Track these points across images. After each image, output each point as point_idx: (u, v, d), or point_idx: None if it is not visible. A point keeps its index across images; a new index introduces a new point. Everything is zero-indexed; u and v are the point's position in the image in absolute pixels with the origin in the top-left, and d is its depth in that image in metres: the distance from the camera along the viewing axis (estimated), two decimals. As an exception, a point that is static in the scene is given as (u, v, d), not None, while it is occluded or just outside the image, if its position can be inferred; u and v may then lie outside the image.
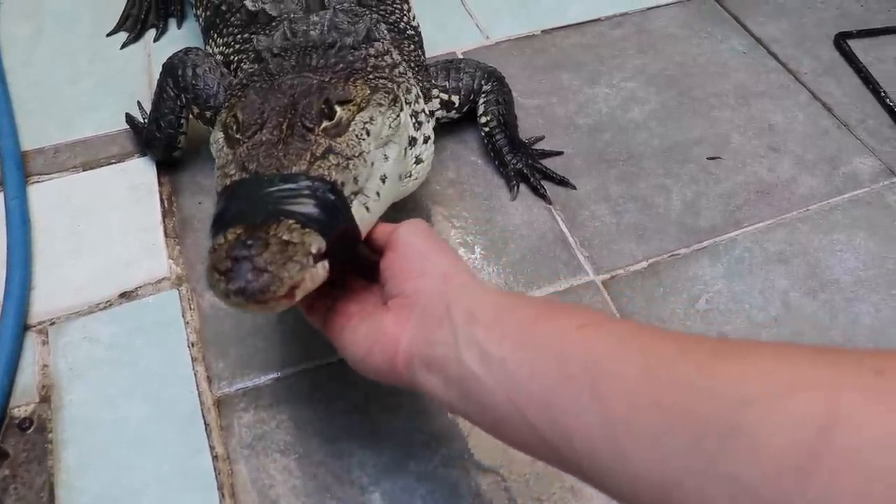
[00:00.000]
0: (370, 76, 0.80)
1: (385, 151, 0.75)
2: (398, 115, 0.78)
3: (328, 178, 0.65)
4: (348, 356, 0.65)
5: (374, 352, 0.62)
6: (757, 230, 1.01)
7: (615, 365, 0.47)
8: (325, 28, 0.87)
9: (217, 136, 0.73)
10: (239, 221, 0.60)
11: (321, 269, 0.59)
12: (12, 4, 1.35)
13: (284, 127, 0.69)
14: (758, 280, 0.95)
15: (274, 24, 0.95)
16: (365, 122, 0.73)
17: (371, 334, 0.62)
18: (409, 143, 0.84)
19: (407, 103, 0.84)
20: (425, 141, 0.89)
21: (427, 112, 0.93)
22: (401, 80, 0.87)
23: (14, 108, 1.15)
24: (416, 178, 0.88)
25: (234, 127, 0.71)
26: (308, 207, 0.61)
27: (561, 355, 0.50)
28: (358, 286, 0.69)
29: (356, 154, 0.69)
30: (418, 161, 0.87)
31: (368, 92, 0.76)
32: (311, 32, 0.87)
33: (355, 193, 0.68)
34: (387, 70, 0.86)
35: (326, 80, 0.76)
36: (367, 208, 0.69)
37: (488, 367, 0.53)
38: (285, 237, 0.58)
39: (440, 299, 0.60)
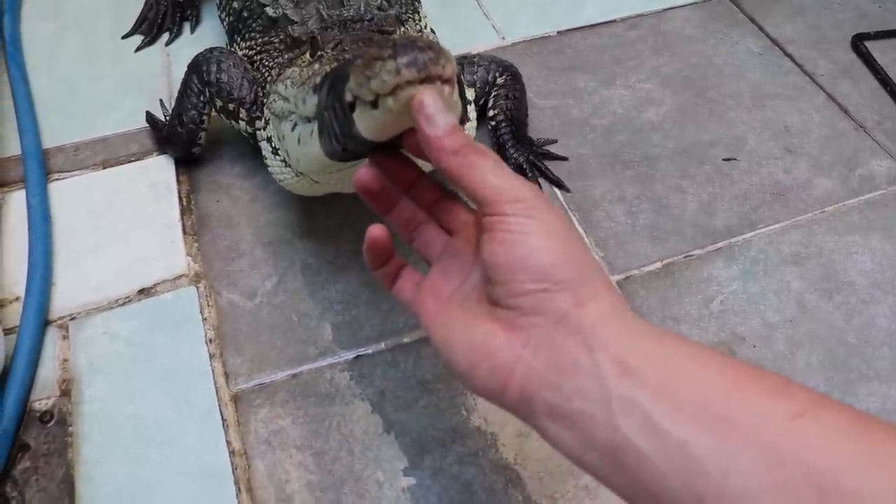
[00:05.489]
0: None
1: None
2: None
3: None
4: (445, 360, 0.54)
5: (480, 373, 0.50)
6: (772, 231, 1.01)
7: (850, 479, 0.38)
8: (362, 7, 0.92)
9: (288, 73, 0.76)
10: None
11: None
12: (35, 5, 1.37)
13: (366, 38, 0.71)
14: (773, 281, 0.95)
15: (296, 23, 0.97)
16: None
17: (475, 350, 0.50)
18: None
19: None
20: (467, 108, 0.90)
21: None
22: None
23: (36, 107, 1.16)
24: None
25: (313, 51, 0.74)
26: None
27: (772, 454, 0.40)
28: (444, 251, 0.60)
29: None
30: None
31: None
32: (346, 15, 0.91)
33: None
34: None
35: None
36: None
37: (660, 446, 0.42)
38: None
39: (574, 334, 0.47)
